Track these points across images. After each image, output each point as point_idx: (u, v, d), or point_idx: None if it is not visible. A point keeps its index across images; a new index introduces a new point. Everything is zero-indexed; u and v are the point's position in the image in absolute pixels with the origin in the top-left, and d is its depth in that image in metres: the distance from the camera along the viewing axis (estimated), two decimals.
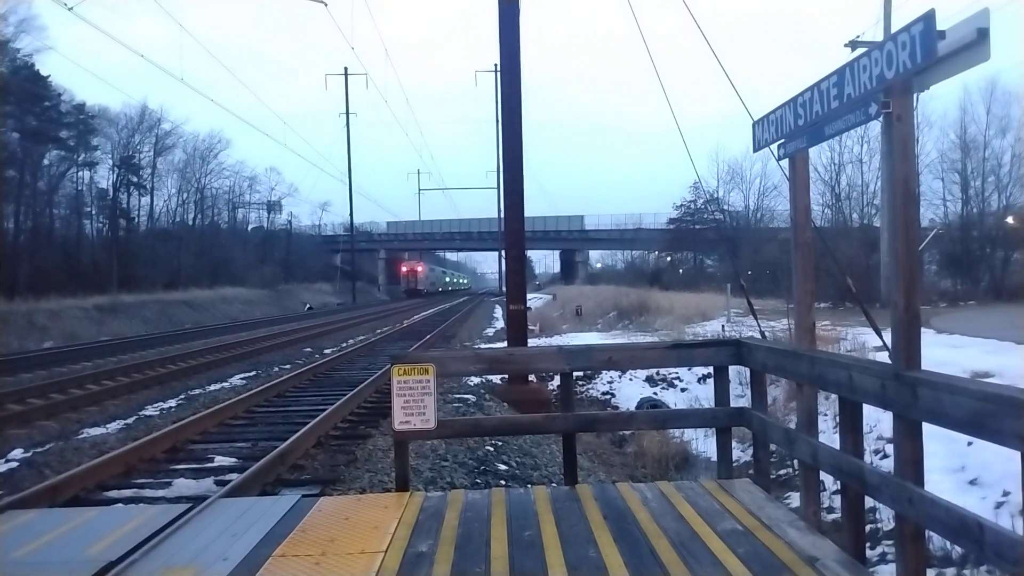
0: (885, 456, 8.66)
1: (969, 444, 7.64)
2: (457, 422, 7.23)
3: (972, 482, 7.60)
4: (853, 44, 26.09)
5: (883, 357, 8.45)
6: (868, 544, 5.88)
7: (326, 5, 23.63)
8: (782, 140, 4.57)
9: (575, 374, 5.72)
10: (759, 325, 10.29)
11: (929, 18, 2.89)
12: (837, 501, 7.46)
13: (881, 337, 7.97)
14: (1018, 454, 2.40)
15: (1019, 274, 31.69)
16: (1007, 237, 31.35)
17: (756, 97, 7.94)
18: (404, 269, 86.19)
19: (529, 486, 6.85)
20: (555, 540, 3.98)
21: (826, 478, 5.36)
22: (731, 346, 5.33)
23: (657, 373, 16.15)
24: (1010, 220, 31.99)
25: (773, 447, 5.36)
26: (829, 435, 5.96)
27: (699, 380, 15.46)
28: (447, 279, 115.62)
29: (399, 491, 5.04)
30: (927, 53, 2.92)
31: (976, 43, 2.87)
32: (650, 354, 6.01)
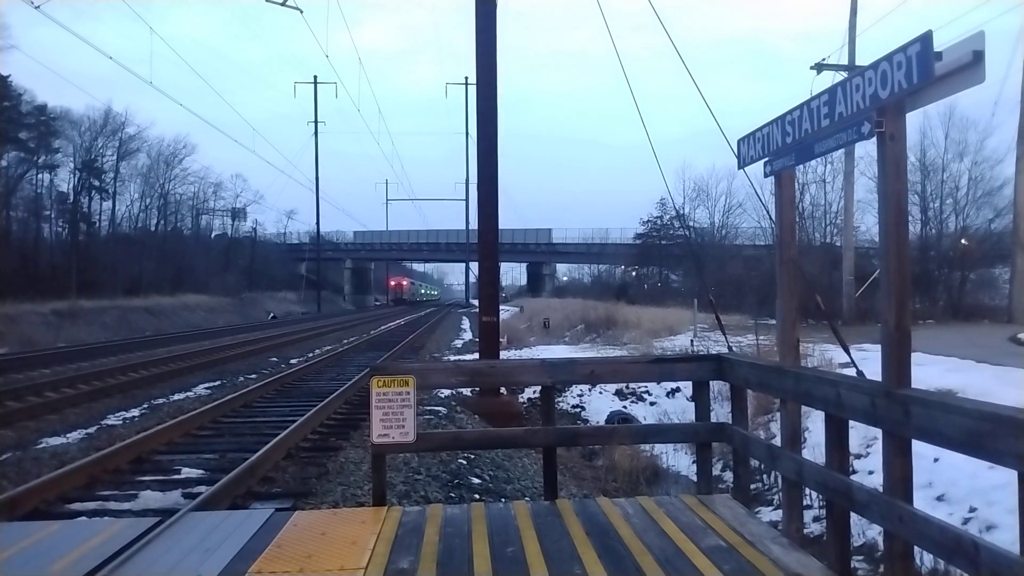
0: (854, 472, 8.75)
1: (936, 460, 7.75)
2: (437, 435, 7.12)
3: (939, 498, 7.70)
4: (819, 67, 26.70)
5: (850, 373, 8.54)
6: None
7: (301, 12, 23.44)
8: (768, 158, 4.58)
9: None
10: (727, 340, 10.36)
11: (926, 39, 2.90)
12: (806, 516, 7.52)
13: (849, 354, 8.04)
14: (1000, 471, 2.40)
15: (975, 294, 32.50)
16: (963, 258, 32.13)
17: (720, 116, 8.09)
18: (392, 283, 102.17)
19: (509, 501, 6.77)
20: (539, 557, 3.92)
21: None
22: (712, 361, 5.32)
23: (627, 387, 16.20)
24: (964, 242, 32.81)
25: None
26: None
27: (668, 394, 15.56)
28: (423, 291, 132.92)
29: (376, 505, 4.93)
30: (923, 74, 2.94)
31: (971, 65, 2.89)
32: (632, 368, 5.99)
